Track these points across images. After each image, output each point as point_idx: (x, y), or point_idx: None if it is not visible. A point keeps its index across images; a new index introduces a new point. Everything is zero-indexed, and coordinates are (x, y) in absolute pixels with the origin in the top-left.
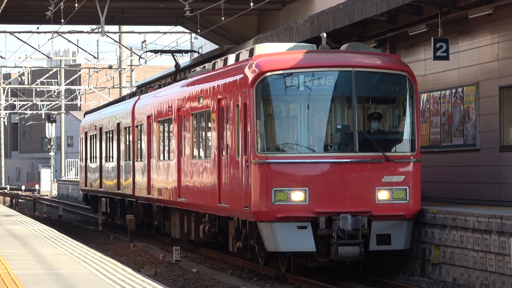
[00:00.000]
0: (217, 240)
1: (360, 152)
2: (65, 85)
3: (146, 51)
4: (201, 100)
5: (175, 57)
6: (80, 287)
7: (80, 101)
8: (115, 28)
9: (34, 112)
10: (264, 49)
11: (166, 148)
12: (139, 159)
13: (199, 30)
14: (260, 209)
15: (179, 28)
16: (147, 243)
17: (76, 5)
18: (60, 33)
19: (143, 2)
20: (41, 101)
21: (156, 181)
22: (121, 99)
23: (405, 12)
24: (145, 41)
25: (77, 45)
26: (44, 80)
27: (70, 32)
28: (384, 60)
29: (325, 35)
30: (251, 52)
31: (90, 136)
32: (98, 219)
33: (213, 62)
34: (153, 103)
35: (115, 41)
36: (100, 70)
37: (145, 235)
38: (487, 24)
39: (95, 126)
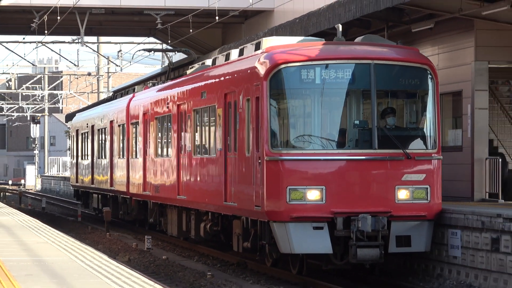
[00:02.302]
0: (219, 239)
1: (380, 149)
2: (48, 90)
3: (140, 50)
4: (205, 95)
5: (168, 56)
6: (61, 272)
7: (62, 104)
8: (93, 38)
9: (20, 114)
10: (271, 42)
11: (165, 145)
12: (134, 156)
13: (169, 41)
14: (273, 209)
15: (152, 39)
16: (122, 233)
17: (59, 17)
18: (44, 43)
19: (119, 16)
20: (27, 104)
21: (153, 178)
22: (113, 97)
23: (355, 26)
24: (120, 50)
25: (59, 54)
26: (29, 85)
27: (53, 42)
28: (403, 52)
29: (340, 26)
30: (257, 46)
31: (82, 134)
32: (78, 210)
33: (213, 58)
34: (150, 100)
35: (94, 50)
36: (80, 77)
37: (121, 226)
38: (428, 37)
39: (87, 124)
